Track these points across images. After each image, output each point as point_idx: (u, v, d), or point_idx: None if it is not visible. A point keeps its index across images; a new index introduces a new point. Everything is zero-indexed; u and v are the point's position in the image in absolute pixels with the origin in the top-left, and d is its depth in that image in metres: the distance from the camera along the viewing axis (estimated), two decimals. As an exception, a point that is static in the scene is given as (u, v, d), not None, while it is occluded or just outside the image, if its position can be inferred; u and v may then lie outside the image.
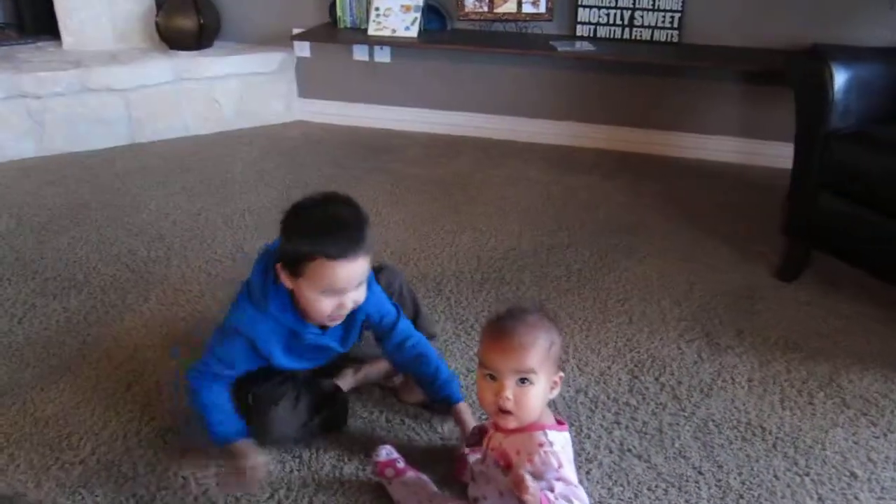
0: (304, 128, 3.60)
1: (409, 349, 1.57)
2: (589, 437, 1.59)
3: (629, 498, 1.44)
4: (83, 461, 1.51)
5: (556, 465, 1.20)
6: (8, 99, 3.08)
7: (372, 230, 1.41)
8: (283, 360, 1.49)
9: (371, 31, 3.26)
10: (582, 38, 3.17)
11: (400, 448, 1.49)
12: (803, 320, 2.03)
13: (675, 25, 3.05)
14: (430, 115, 3.52)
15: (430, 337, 1.72)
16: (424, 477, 1.42)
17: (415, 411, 1.65)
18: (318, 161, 3.17)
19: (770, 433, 1.61)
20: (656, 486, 1.46)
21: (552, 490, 1.15)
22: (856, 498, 1.45)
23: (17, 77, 3.08)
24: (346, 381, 1.67)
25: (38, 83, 3.10)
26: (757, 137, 3.14)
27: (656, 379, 1.78)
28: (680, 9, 3.03)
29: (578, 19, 3.16)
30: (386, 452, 1.46)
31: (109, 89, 3.22)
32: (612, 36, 3.15)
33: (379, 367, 1.73)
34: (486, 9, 3.25)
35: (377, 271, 1.60)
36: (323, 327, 1.50)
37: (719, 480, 1.48)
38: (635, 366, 1.83)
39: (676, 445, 1.57)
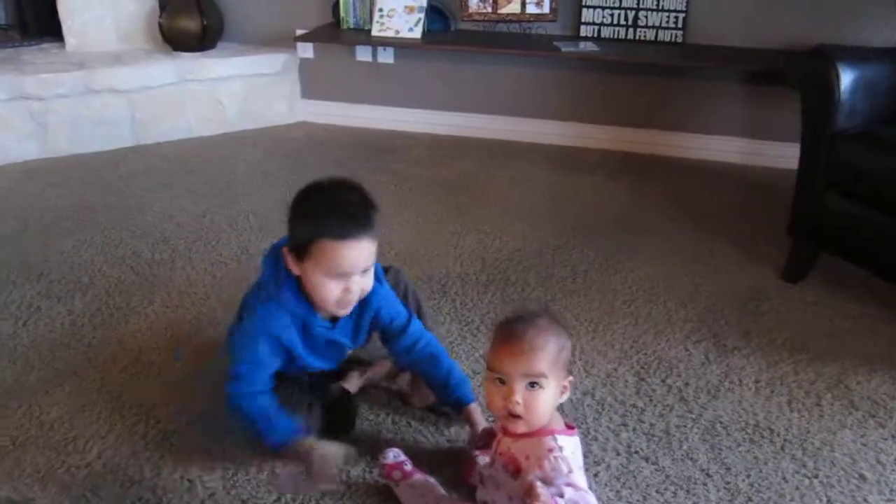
0: (308, 129, 3.60)
1: (420, 350, 1.56)
2: (596, 440, 1.58)
3: (637, 500, 1.43)
4: (89, 465, 1.51)
5: (565, 470, 1.19)
6: (11, 100, 3.08)
7: (380, 220, 1.40)
8: (303, 352, 1.48)
9: (374, 32, 3.25)
10: (586, 38, 3.16)
11: (406, 450, 1.48)
12: (810, 321, 2.03)
13: (680, 26, 3.05)
14: (434, 116, 3.52)
15: None
16: (432, 480, 1.42)
17: (421, 414, 1.64)
18: (322, 162, 3.16)
19: (778, 435, 1.61)
20: (664, 489, 1.46)
21: (562, 496, 1.14)
22: (865, 500, 1.45)
23: (20, 79, 3.07)
24: (352, 384, 1.66)
25: (42, 85, 3.10)
26: (761, 138, 3.14)
27: (663, 381, 1.78)
28: (684, 9, 3.03)
29: (582, 20, 3.16)
30: (393, 455, 1.46)
31: (113, 91, 3.22)
32: (615, 36, 3.14)
33: (383, 368, 1.74)
34: (489, 9, 3.24)
35: (384, 272, 1.60)
36: (333, 320, 1.49)
37: (728, 483, 1.48)
38: (642, 367, 1.83)
39: (684, 448, 1.57)
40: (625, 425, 1.63)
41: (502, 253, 2.39)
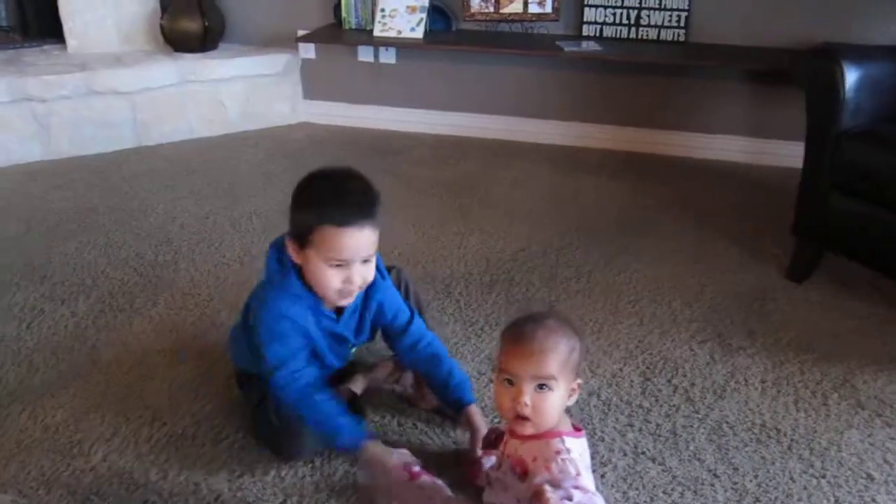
0: (310, 129, 3.60)
1: (422, 349, 1.56)
2: (603, 440, 1.58)
3: (644, 502, 1.43)
4: (94, 468, 1.50)
5: (573, 472, 1.18)
6: (13, 102, 3.08)
7: (382, 210, 1.40)
8: (320, 341, 1.48)
9: (376, 33, 3.25)
10: (588, 37, 3.16)
11: (412, 452, 1.47)
12: (815, 321, 2.02)
13: (682, 25, 3.04)
14: (436, 117, 3.51)
15: None
16: (439, 482, 1.41)
17: (427, 416, 1.64)
18: (324, 163, 3.04)
19: (785, 435, 1.60)
20: (672, 490, 1.45)
21: (570, 499, 1.14)
22: (873, 500, 1.44)
23: (22, 80, 3.07)
24: (357, 385, 1.66)
25: (44, 86, 3.10)
26: (764, 137, 3.13)
27: (669, 381, 1.77)
28: (687, 8, 3.02)
29: (585, 19, 3.16)
30: (397, 455, 1.45)
31: (115, 92, 3.21)
32: (618, 35, 3.14)
33: (385, 370, 1.73)
34: (491, 9, 3.24)
35: (387, 270, 1.60)
36: (338, 313, 1.48)
37: (735, 483, 1.47)
38: (647, 367, 1.82)
39: (691, 448, 1.56)
40: (631, 426, 1.62)
41: (506, 253, 2.38)
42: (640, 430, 1.61)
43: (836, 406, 1.69)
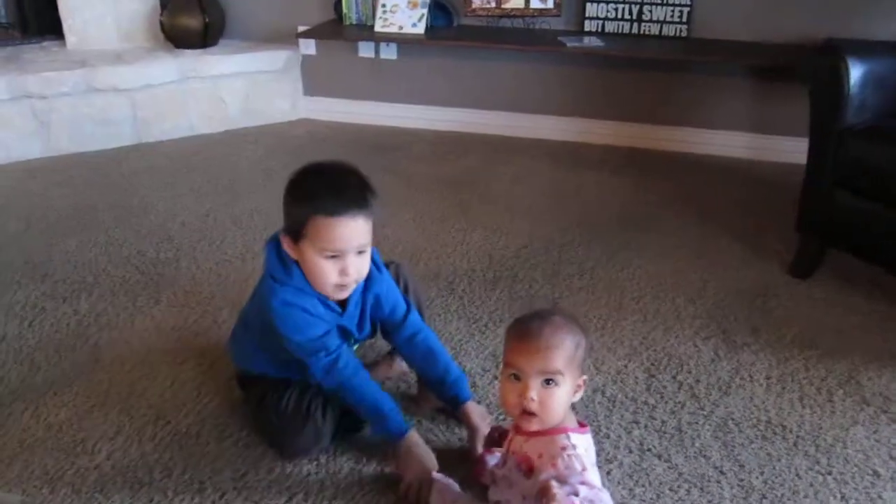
0: (310, 126, 3.59)
1: (419, 343, 1.56)
2: (608, 437, 1.57)
3: (651, 499, 1.43)
4: (98, 466, 1.50)
5: (579, 468, 1.18)
6: (13, 100, 3.06)
7: (377, 203, 1.40)
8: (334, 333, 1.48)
9: (377, 28, 3.24)
10: (590, 33, 3.15)
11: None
12: (819, 318, 2.02)
13: (684, 20, 3.03)
14: (437, 113, 3.50)
15: None
16: (448, 479, 1.40)
17: (432, 414, 1.63)
18: (324, 159, 3.14)
19: (790, 431, 1.60)
20: (678, 487, 1.45)
21: (577, 494, 1.14)
22: (879, 497, 1.44)
23: (22, 77, 3.06)
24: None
25: (44, 83, 3.08)
26: (767, 133, 3.13)
27: (674, 377, 1.77)
28: (689, 3, 3.02)
29: (586, 14, 3.15)
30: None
31: (115, 89, 3.20)
32: (620, 31, 3.13)
33: (387, 371, 1.74)
34: (493, 4, 3.22)
35: (385, 266, 1.59)
36: (340, 304, 1.48)
37: (741, 480, 1.47)
38: (652, 364, 1.82)
39: (697, 445, 1.56)
40: (636, 422, 1.62)
41: (509, 250, 2.37)
42: (646, 426, 1.61)
43: (841, 403, 1.69)
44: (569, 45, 3.01)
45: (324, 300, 1.46)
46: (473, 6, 3.25)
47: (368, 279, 1.50)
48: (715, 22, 3.03)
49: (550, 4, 3.18)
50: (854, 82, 1.97)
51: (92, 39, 3.46)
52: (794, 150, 2.83)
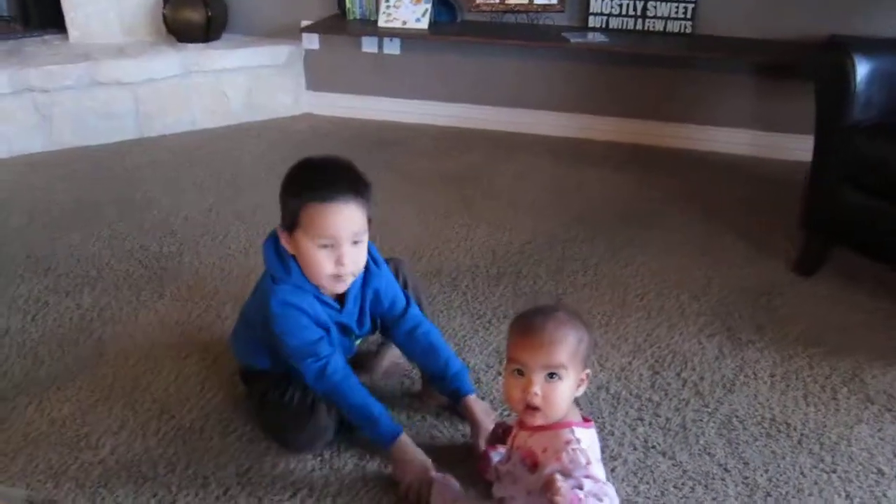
0: (313, 121, 3.58)
1: (419, 337, 1.56)
2: (612, 434, 1.57)
3: (655, 496, 1.42)
4: (102, 461, 1.50)
5: (584, 462, 1.18)
6: (15, 93, 3.06)
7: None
8: (332, 332, 1.48)
9: (381, 23, 3.23)
10: (594, 29, 3.14)
11: (422, 446, 1.46)
12: (823, 315, 2.01)
13: (689, 16, 3.03)
14: (440, 108, 3.50)
15: None
16: (448, 478, 1.40)
17: (437, 410, 1.63)
18: (321, 154, 3.14)
19: (795, 429, 1.60)
20: (682, 484, 1.45)
21: (581, 488, 1.13)
22: (884, 495, 1.44)
23: (24, 71, 3.05)
24: (365, 378, 1.65)
25: (46, 77, 3.08)
26: (770, 130, 3.12)
27: (678, 374, 1.77)
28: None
29: (591, 10, 3.14)
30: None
31: (118, 83, 3.20)
32: (624, 27, 3.12)
33: (391, 359, 1.74)
34: (497, 0, 3.21)
35: (385, 262, 1.59)
36: (340, 302, 1.48)
37: (746, 478, 1.47)
38: (656, 361, 1.82)
39: (701, 442, 1.55)
40: (641, 419, 1.62)
41: (513, 246, 2.37)
42: (650, 424, 1.61)
43: (845, 400, 1.69)
44: (573, 41, 3.00)
45: (322, 298, 1.45)
46: (477, 1, 3.24)
47: (367, 274, 1.50)
48: (719, 19, 3.02)
49: (554, 0, 3.17)
50: (860, 79, 1.97)
51: (94, 33, 3.45)
52: (798, 147, 2.83)
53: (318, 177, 1.39)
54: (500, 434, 1.44)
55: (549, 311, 1.24)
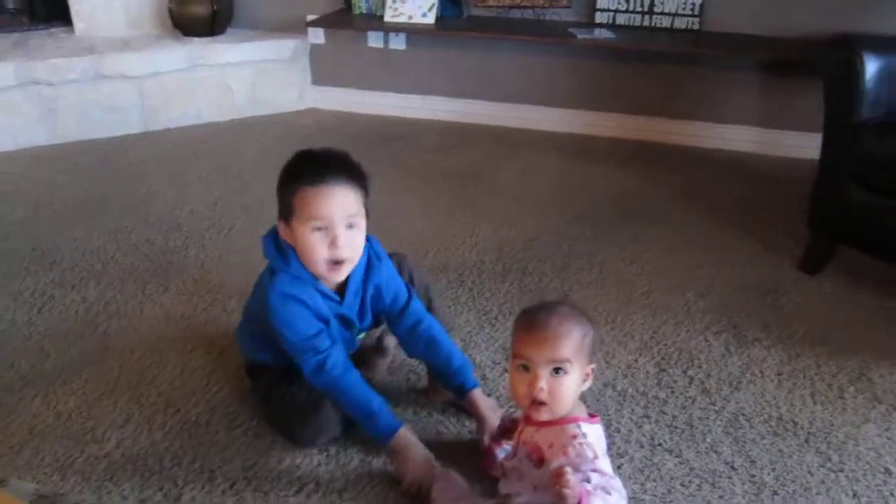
0: (318, 115, 3.58)
1: (421, 332, 1.55)
2: (619, 432, 1.57)
3: (662, 493, 1.42)
4: (108, 454, 1.50)
5: (591, 456, 1.19)
6: (20, 86, 3.05)
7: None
8: (332, 325, 1.47)
9: (387, 18, 3.22)
10: (601, 25, 3.13)
11: (428, 443, 1.46)
12: (830, 314, 2.01)
13: (696, 13, 3.01)
14: (445, 103, 3.49)
15: (449, 329, 1.69)
16: (452, 473, 1.40)
17: (443, 406, 1.63)
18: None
19: (802, 428, 1.59)
20: (689, 482, 1.45)
21: (588, 481, 1.14)
22: (892, 495, 1.43)
23: (29, 64, 3.05)
24: (371, 373, 1.65)
25: (51, 70, 3.07)
26: (776, 127, 3.11)
27: (684, 372, 1.76)
28: (701, -4, 2.99)
29: (597, 6, 3.12)
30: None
31: (123, 76, 3.19)
32: (631, 23, 3.11)
33: (379, 351, 1.74)
34: (503, -5, 3.20)
35: (388, 257, 1.59)
36: (340, 294, 1.48)
37: (753, 476, 1.46)
38: (662, 359, 1.81)
39: (708, 440, 1.55)
40: (647, 417, 1.62)
41: (518, 242, 2.37)
42: (657, 421, 1.60)
43: (852, 400, 1.68)
44: (579, 36, 2.99)
45: (322, 289, 1.45)
46: (483, -3, 3.23)
47: (369, 269, 1.50)
48: (727, 15, 3.01)
49: (561, -5, 3.16)
50: (869, 77, 1.96)
51: (100, 26, 3.44)
52: (804, 145, 2.82)
53: (310, 166, 1.41)
54: (508, 427, 1.44)
55: (553, 307, 1.25)
